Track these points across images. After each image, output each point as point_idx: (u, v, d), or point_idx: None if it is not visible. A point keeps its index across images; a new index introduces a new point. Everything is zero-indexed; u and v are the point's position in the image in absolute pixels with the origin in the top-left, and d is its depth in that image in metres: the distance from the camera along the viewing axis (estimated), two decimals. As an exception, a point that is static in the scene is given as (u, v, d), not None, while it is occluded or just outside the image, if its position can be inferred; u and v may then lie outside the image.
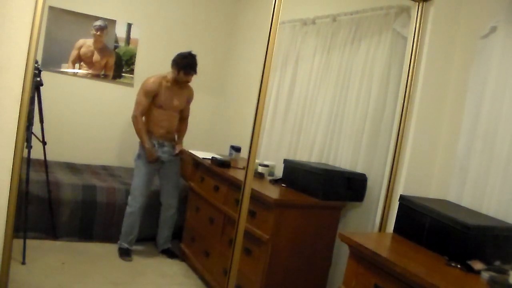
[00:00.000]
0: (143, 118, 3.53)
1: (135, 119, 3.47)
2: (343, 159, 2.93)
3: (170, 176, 3.66)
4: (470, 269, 1.74)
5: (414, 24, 2.48)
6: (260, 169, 3.15)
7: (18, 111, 1.86)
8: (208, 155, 3.59)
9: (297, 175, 2.83)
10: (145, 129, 3.50)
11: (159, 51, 4.55)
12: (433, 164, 2.50)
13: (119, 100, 4.48)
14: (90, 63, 4.37)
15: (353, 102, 2.91)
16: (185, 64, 3.44)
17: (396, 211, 2.30)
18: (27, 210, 3.14)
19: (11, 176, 1.88)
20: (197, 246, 3.41)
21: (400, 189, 2.46)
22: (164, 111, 3.54)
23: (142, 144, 3.50)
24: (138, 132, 3.48)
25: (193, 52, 3.50)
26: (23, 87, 1.86)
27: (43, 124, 3.26)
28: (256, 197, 2.58)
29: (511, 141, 2.07)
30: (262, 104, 2.16)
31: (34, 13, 1.84)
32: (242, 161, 3.58)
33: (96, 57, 4.38)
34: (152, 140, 3.51)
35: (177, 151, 3.66)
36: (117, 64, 4.48)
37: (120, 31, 4.45)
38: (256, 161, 2.82)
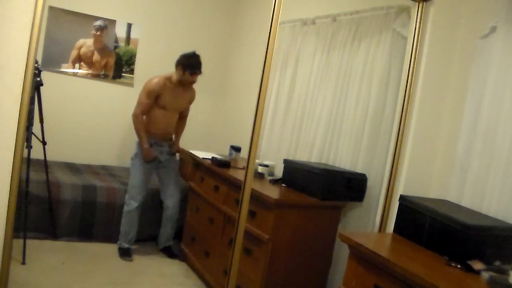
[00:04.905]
0: (144, 117, 3.54)
1: (135, 117, 3.48)
2: (343, 159, 2.93)
3: (169, 175, 3.66)
4: (470, 269, 1.74)
5: (414, 24, 2.48)
6: (260, 169, 3.14)
7: (18, 111, 1.86)
8: (208, 155, 3.59)
9: (297, 175, 2.83)
10: (145, 128, 3.51)
11: (159, 51, 4.55)
12: (433, 164, 2.50)
13: (119, 100, 4.48)
14: (90, 63, 4.37)
15: (353, 102, 2.91)
16: (191, 64, 3.45)
17: (396, 211, 2.30)
18: (27, 210, 3.13)
19: (11, 176, 1.88)
20: (197, 246, 3.41)
21: (400, 189, 2.46)
22: (165, 112, 3.55)
23: (140, 143, 3.50)
24: (137, 131, 3.49)
25: (197, 52, 3.50)
26: (23, 87, 1.86)
27: (43, 124, 3.26)
28: (256, 197, 2.58)
29: (511, 141, 2.07)
30: (262, 104, 2.16)
31: (34, 13, 1.84)
32: (242, 161, 3.58)
33: (96, 57, 4.38)
34: (150, 140, 3.52)
35: (174, 150, 3.66)
36: (117, 64, 4.48)
37: (120, 31, 4.45)
38: (256, 161, 2.82)
